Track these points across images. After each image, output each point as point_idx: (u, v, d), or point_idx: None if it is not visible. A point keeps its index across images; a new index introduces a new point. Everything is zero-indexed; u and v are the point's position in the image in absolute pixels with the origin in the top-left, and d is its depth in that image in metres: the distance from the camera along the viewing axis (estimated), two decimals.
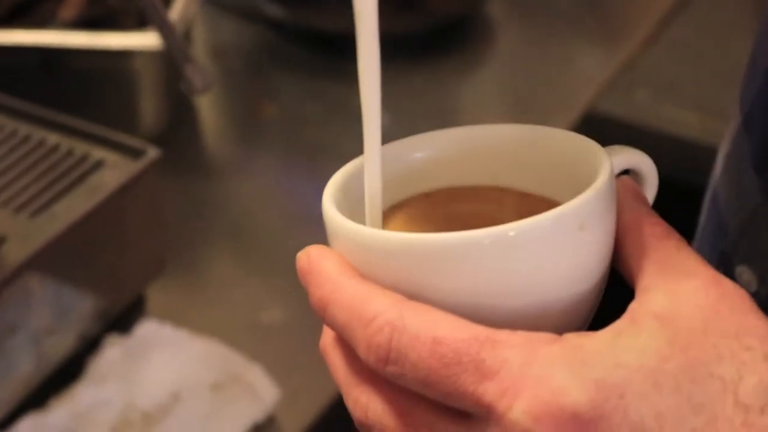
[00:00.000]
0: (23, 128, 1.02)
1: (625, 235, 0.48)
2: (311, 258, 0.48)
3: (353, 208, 0.50)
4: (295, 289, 1.10)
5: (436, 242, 0.45)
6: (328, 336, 0.49)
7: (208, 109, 1.30)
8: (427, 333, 0.44)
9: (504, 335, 0.43)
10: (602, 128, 1.29)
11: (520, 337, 0.43)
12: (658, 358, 0.42)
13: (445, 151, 0.52)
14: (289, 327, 1.03)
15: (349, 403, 0.47)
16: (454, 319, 0.44)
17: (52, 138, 1.01)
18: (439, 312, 0.44)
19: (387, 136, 1.33)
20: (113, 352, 0.97)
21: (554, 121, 1.27)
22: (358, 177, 0.51)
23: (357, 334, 0.45)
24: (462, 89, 1.34)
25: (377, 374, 0.45)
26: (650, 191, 0.52)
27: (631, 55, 1.36)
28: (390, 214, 0.51)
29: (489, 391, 0.43)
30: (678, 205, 1.30)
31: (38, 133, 1.01)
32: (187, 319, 1.02)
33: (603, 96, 1.31)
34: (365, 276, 0.47)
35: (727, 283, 0.45)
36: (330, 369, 0.49)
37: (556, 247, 0.45)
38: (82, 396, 0.94)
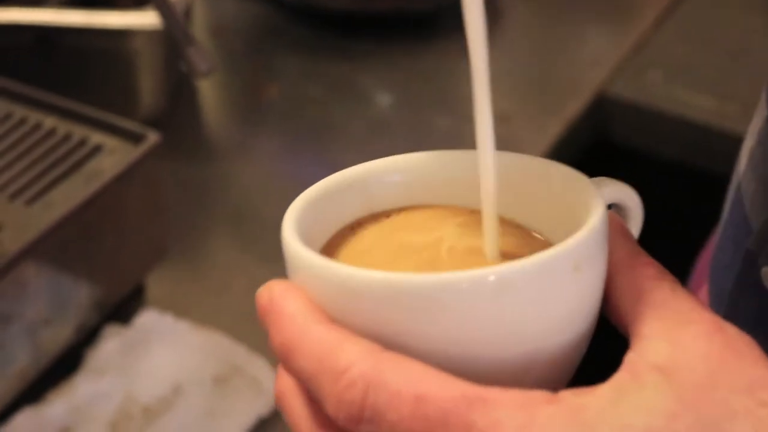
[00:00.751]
0: (19, 111, 0.99)
1: (615, 277, 0.44)
2: (273, 296, 0.43)
3: (320, 238, 0.47)
4: None
5: (403, 283, 0.41)
6: (285, 381, 0.45)
7: (208, 90, 1.27)
8: (409, 389, 0.39)
9: (496, 393, 0.39)
10: (613, 111, 1.26)
11: (513, 396, 0.39)
12: (666, 417, 0.39)
13: (422, 172, 0.49)
14: None
15: None
16: (438, 373, 0.40)
17: (49, 121, 0.98)
18: (420, 365, 0.40)
19: (391, 117, 1.30)
20: (112, 343, 0.95)
21: (564, 104, 1.25)
22: (325, 200, 0.48)
23: (325, 388, 0.41)
24: (468, 71, 1.31)
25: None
26: (635, 227, 0.49)
27: (643, 35, 1.33)
28: (350, 231, 0.48)
29: None
30: (691, 190, 1.28)
31: (34, 116, 0.98)
32: (188, 308, 0.99)
33: (614, 78, 1.28)
34: (334, 318, 0.42)
35: (730, 329, 0.41)
36: (288, 419, 0.45)
37: (548, 291, 0.42)
38: (81, 389, 0.92)
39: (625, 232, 0.46)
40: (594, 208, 0.44)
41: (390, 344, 0.41)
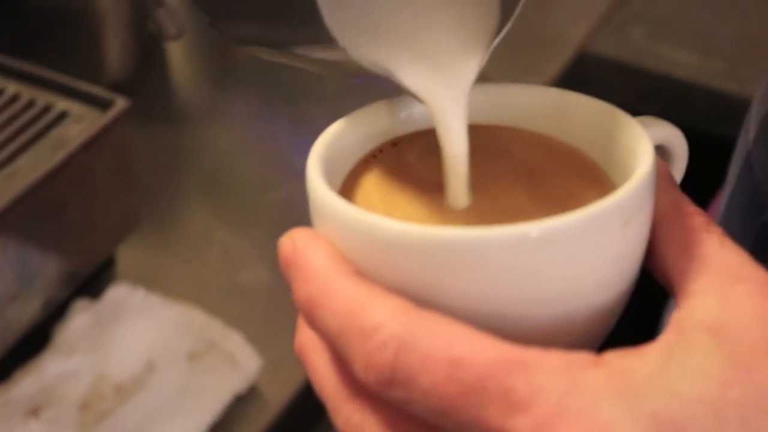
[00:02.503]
0: None
1: (659, 227, 0.41)
2: (297, 247, 0.41)
3: (343, 169, 0.44)
4: (277, 246, 1.02)
5: (440, 238, 0.38)
6: (307, 335, 0.42)
7: (177, 52, 1.23)
8: (443, 352, 0.36)
9: (537, 356, 0.36)
10: (596, 69, 1.24)
11: (556, 358, 0.36)
12: (719, 384, 0.36)
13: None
14: (271, 288, 0.97)
15: (339, 421, 0.40)
16: (474, 334, 0.37)
17: (12, 87, 0.95)
18: (455, 324, 0.37)
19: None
20: (82, 318, 0.92)
21: (545, 62, 1.22)
22: (350, 136, 0.45)
23: (353, 348, 0.38)
24: None
25: None
26: (679, 171, 0.47)
27: None
28: (370, 161, 0.46)
29: (520, 426, 0.35)
30: None
31: None
32: (160, 281, 0.96)
33: (596, 34, 1.25)
34: (363, 272, 0.40)
35: None
36: (311, 376, 0.42)
37: (593, 247, 0.39)
38: (49, 367, 0.89)
39: (670, 178, 0.43)
40: (643, 155, 0.41)
41: (422, 299, 0.39)
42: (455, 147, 0.43)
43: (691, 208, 0.42)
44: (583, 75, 1.24)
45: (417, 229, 0.39)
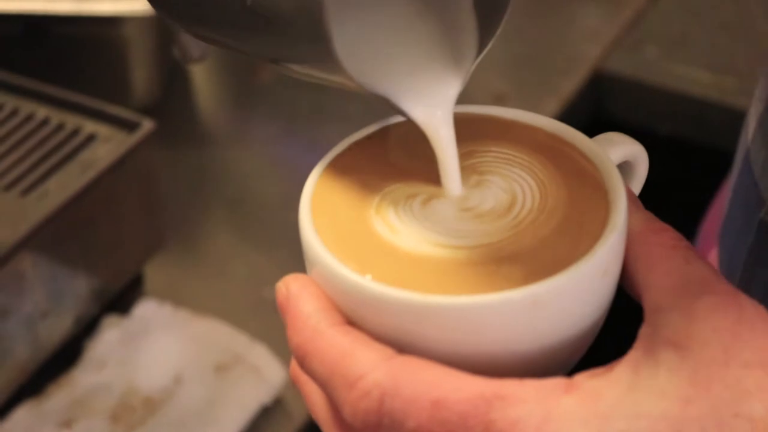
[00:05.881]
0: (10, 101, 0.98)
1: (629, 247, 0.44)
2: (290, 294, 0.43)
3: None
4: (299, 262, 1.05)
5: (428, 304, 0.40)
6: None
7: (201, 76, 1.26)
8: (425, 395, 0.39)
9: (512, 388, 0.39)
10: (610, 88, 1.25)
11: (530, 388, 0.39)
12: (680, 402, 0.39)
13: None
14: None
15: None
16: (453, 374, 0.40)
17: (42, 111, 0.97)
18: (435, 367, 0.40)
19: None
20: (112, 334, 0.94)
21: (560, 81, 1.24)
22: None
23: (340, 395, 0.40)
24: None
25: None
26: (638, 184, 0.49)
27: (639, 9, 1.32)
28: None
29: None
30: (689, 165, 1.27)
31: (27, 107, 0.98)
32: (187, 297, 0.99)
33: (610, 54, 1.27)
34: (349, 315, 0.42)
35: (744, 301, 0.41)
36: (306, 402, 0.45)
37: (577, 299, 0.42)
38: (81, 381, 0.91)
39: (634, 199, 0.45)
40: (617, 203, 0.43)
41: (405, 346, 0.41)
42: (447, 154, 0.45)
43: (658, 225, 0.44)
44: (599, 94, 1.26)
45: (402, 295, 0.40)
